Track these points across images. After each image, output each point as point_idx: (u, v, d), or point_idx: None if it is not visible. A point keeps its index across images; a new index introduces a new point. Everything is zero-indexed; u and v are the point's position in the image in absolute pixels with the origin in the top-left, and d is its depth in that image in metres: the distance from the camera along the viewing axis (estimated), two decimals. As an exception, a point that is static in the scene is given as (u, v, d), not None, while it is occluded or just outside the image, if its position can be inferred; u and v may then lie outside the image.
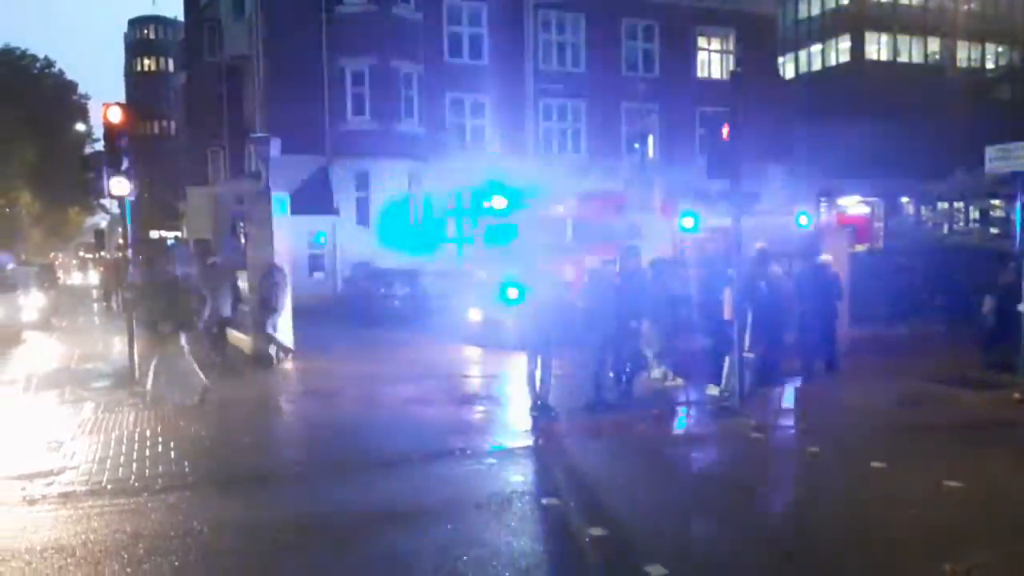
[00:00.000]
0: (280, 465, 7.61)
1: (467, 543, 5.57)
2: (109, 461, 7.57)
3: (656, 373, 11.42)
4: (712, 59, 31.32)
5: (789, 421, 9.43)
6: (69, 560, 5.26)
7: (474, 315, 15.72)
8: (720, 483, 6.81)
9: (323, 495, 6.79)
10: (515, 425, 9.02)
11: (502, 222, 15.92)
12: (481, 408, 9.89)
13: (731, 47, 31.16)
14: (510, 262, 14.56)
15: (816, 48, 49.30)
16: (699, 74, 30.72)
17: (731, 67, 29.61)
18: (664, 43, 29.75)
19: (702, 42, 31.00)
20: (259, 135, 17.60)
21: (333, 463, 7.60)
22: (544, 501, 6.32)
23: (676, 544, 5.55)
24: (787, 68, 47.65)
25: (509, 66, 27.34)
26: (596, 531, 5.64)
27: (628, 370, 10.04)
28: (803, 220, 15.92)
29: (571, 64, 28.77)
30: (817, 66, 49.04)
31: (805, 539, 5.68)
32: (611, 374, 9.92)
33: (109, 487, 6.85)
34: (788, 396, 10.44)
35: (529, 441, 8.43)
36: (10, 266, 17.96)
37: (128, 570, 5.10)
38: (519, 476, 7.02)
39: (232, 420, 9.26)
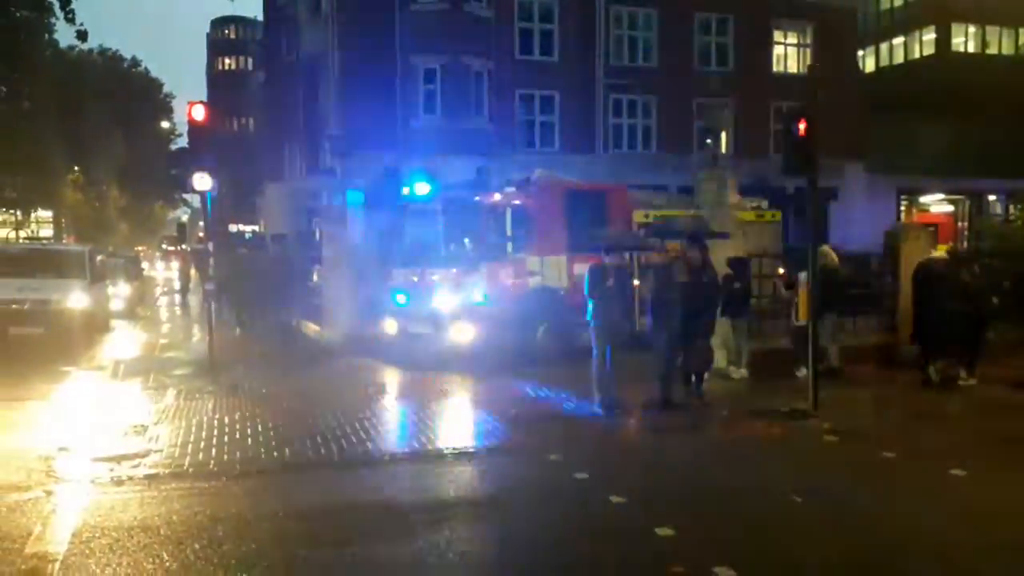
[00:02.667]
0: (355, 452, 7.79)
1: (532, 536, 5.63)
2: (190, 446, 7.89)
3: (736, 374, 11.26)
4: (789, 53, 30.58)
5: (867, 425, 9.17)
6: (153, 539, 5.50)
7: (389, 327, 13.47)
8: (791, 486, 6.68)
9: (394, 481, 6.93)
10: (574, 423, 9.03)
11: (425, 212, 13.61)
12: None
13: (808, 41, 30.39)
14: (434, 261, 12.71)
15: (898, 40, 47.57)
16: (775, 68, 30.05)
17: (808, 61, 28.89)
18: (739, 37, 29.19)
19: (778, 36, 30.32)
20: (334, 132, 18.04)
21: (410, 452, 7.77)
22: (611, 498, 6.31)
23: (745, 546, 5.47)
24: (867, 62, 46.12)
25: (579, 62, 27.25)
26: (663, 531, 5.61)
27: (697, 369, 9.92)
28: (773, 216, 15.29)
29: (642, 59, 28.50)
30: (899, 59, 47.32)
31: (877, 546, 5.53)
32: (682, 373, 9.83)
33: (191, 471, 7.14)
34: (866, 400, 10.18)
35: (594, 439, 8.44)
36: (99, 258, 18.80)
37: (209, 551, 5.31)
38: (583, 474, 7.02)
39: (304, 408, 9.50)
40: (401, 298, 13.09)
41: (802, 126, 9.08)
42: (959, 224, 33.32)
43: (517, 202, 13.06)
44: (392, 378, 11.90)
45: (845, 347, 11.85)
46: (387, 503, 6.38)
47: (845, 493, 6.65)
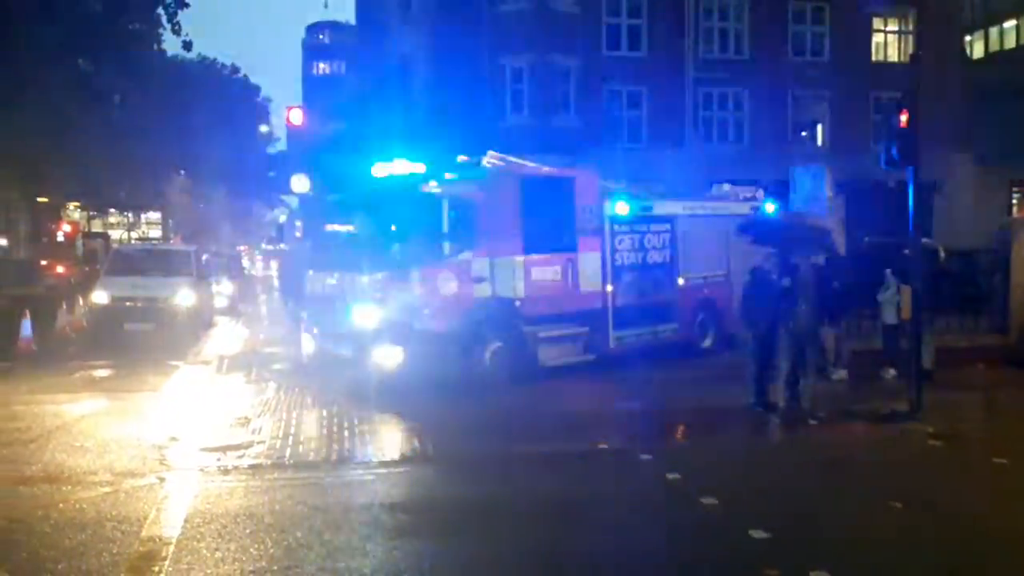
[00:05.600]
0: (444, 449, 7.95)
1: (625, 535, 5.63)
2: (291, 438, 8.23)
3: (835, 375, 10.94)
4: (889, 41, 29.33)
5: (974, 429, 8.76)
6: (258, 526, 5.76)
7: (306, 344, 11.65)
8: (892, 491, 6.44)
9: (487, 477, 7.04)
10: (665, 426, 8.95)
11: (355, 203, 11.52)
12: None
13: (910, 27, 29.05)
14: (352, 264, 10.53)
15: (1010, 24, 44.96)
16: (874, 57, 28.87)
17: (911, 49, 27.66)
18: (836, 25, 28.15)
19: (878, 23, 29.08)
20: (425, 134, 18.36)
21: (495, 451, 7.88)
22: (703, 500, 6.24)
23: (842, 551, 5.32)
24: (975, 47, 43.78)
25: (668, 55, 26.84)
26: (758, 533, 5.51)
27: (801, 371, 9.64)
28: (769, 208, 13.75)
29: (734, 51, 27.85)
30: (1011, 44, 44.69)
31: (983, 556, 5.28)
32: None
33: (291, 462, 7.45)
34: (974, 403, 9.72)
35: (685, 440, 8.36)
36: (204, 257, 19.73)
37: (310, 538, 5.52)
38: (675, 474, 6.96)
39: (399, 404, 9.72)
40: (314, 310, 11.26)
41: (904, 117, 8.74)
42: (1079, 217, 31.24)
43: (459, 191, 10.55)
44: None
45: (951, 348, 11.35)
46: (481, 498, 6.48)
47: (950, 499, 6.37)
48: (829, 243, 11.36)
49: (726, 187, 14.49)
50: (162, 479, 6.93)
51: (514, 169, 11.58)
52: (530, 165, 12.20)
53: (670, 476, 6.90)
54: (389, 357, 9.94)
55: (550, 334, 11.10)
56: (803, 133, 27.63)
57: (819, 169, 13.02)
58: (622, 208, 12.12)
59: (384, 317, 9.96)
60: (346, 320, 10.30)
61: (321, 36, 78.63)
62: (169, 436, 8.26)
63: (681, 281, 12.60)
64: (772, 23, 27.60)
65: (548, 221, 11.12)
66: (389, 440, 8.22)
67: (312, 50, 79.29)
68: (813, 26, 28.22)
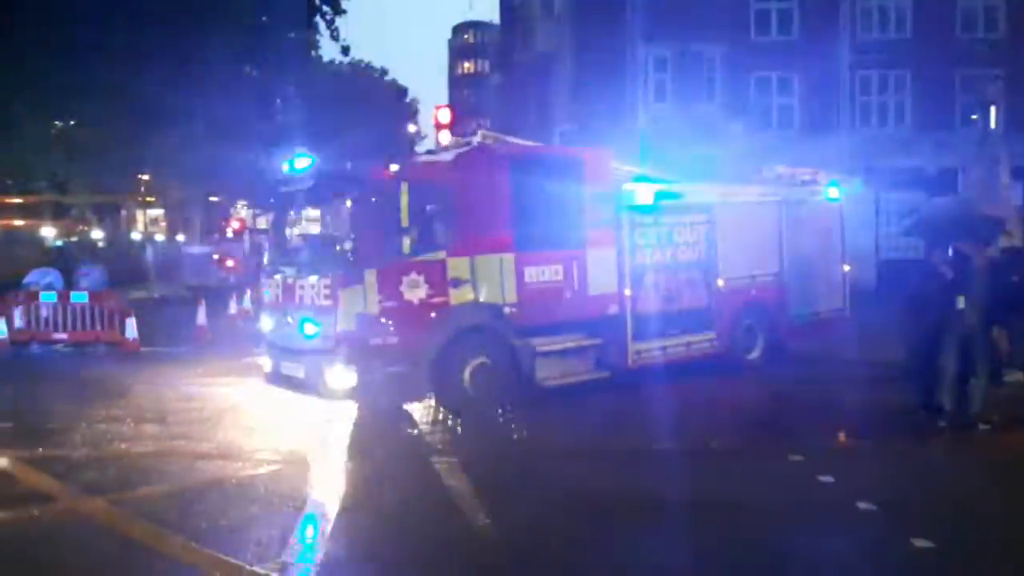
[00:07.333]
0: (591, 443, 7.98)
1: (778, 538, 5.46)
2: (439, 424, 8.59)
3: (1010, 376, 10.09)
4: (1079, 9, 26.61)
5: None
6: (411, 508, 6.01)
7: (264, 363, 9.77)
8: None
9: (632, 474, 7.02)
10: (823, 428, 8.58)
11: (301, 192, 9.69)
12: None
13: (1109, -10, 26.23)
14: (298, 265, 9.28)
15: None
16: (1061, 28, 26.31)
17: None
18: (1012, -4, 25.89)
19: (1067, -12, 26.47)
20: (566, 127, 18.48)
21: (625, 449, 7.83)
22: (860, 505, 5.94)
23: (1018, 566, 4.93)
24: None
25: (822, 38, 25.60)
26: (921, 542, 5.19)
27: (970, 372, 8.95)
28: (833, 192, 11.92)
29: (894, 30, 26.17)
30: None
31: None
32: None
33: (439, 447, 7.79)
34: None
35: (839, 441, 7.99)
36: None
37: (463, 521, 5.70)
38: (828, 477, 6.66)
39: (547, 398, 9.82)
40: (266, 321, 9.61)
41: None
42: None
43: (431, 175, 9.04)
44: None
45: None
46: (628, 494, 6.41)
47: None
48: (1004, 234, 10.40)
49: (780, 169, 12.43)
50: (322, 459, 7.35)
51: (502, 148, 9.91)
52: (524, 143, 10.76)
53: (822, 479, 6.60)
54: (343, 379, 8.35)
55: (550, 347, 9.39)
56: (973, 116, 25.55)
57: (993, 154, 11.94)
58: (644, 195, 10.23)
59: (333, 330, 8.36)
60: (297, 334, 8.79)
61: (466, 36, 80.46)
62: (325, 419, 8.74)
63: (721, 282, 10.76)
64: (938, -1, 25.75)
65: (548, 211, 9.41)
66: (532, 431, 8.33)
67: (457, 50, 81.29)
68: (985, -1, 26.08)
